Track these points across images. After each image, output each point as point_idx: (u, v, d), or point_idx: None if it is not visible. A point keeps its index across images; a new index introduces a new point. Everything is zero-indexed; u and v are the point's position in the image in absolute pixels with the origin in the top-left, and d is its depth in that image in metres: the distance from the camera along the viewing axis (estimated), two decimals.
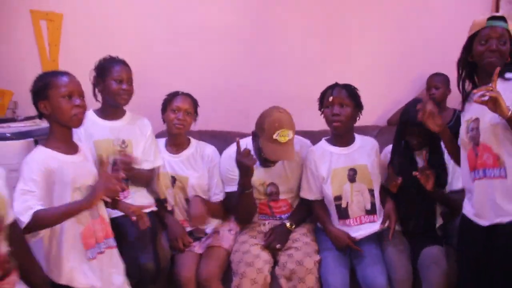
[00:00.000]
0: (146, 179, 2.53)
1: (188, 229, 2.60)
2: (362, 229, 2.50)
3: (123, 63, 2.51)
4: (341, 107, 2.49)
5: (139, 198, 2.45)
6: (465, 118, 2.11)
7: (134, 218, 2.06)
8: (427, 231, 2.51)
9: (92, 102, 2.43)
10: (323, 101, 2.58)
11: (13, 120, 2.85)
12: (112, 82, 2.43)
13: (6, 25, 3.16)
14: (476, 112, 2.03)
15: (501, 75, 2.01)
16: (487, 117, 1.98)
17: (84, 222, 1.90)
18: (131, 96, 2.51)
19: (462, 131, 2.11)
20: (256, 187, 2.57)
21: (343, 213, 2.51)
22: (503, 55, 1.99)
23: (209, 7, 3.27)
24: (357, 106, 2.54)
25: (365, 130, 2.94)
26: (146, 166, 2.51)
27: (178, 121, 2.57)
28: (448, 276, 2.34)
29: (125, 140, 2.48)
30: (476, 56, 2.03)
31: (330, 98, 2.50)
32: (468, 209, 2.14)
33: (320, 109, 2.61)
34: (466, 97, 2.13)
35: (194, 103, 2.67)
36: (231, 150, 2.60)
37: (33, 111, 2.48)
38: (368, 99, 2.65)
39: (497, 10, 3.45)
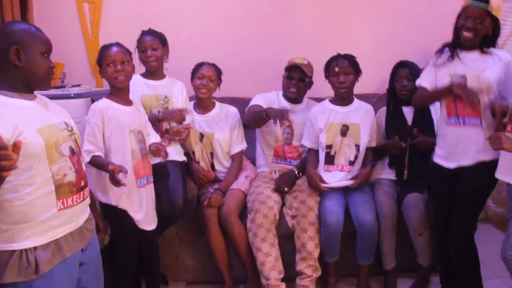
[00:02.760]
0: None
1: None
2: (337, 179, 2.89)
3: (148, 34, 2.82)
4: (345, 75, 2.88)
5: (172, 152, 2.80)
6: (449, 71, 2.41)
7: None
8: (415, 180, 2.89)
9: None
10: (328, 70, 2.94)
11: (63, 87, 3.12)
12: (140, 53, 2.82)
13: (55, 8, 3.49)
14: (462, 68, 2.38)
15: (480, 48, 2.38)
16: (475, 77, 2.32)
17: (136, 157, 2.39)
18: (159, 60, 2.84)
19: (443, 81, 2.43)
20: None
21: (330, 159, 2.91)
22: (478, 33, 2.31)
23: None
24: (357, 72, 2.93)
25: (366, 97, 3.30)
26: (183, 123, 2.86)
27: (203, 86, 2.95)
28: (425, 216, 2.74)
29: (167, 96, 2.86)
30: (458, 29, 2.37)
31: (336, 69, 2.87)
32: (438, 153, 2.53)
33: (326, 77, 2.99)
34: (452, 54, 2.42)
35: (218, 71, 3.01)
36: (268, 93, 3.15)
37: (76, 81, 3.01)
38: (369, 69, 3.04)
39: None
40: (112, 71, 2.35)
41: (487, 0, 2.25)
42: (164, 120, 2.78)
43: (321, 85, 3.15)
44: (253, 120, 2.97)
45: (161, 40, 2.87)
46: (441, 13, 3.53)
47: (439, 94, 2.47)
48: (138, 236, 2.48)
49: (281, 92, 3.17)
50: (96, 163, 2.27)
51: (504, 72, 2.35)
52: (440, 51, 2.50)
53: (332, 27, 3.72)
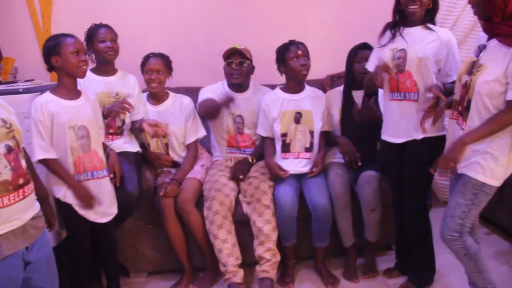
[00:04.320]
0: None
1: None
2: (295, 166, 2.95)
3: (105, 26, 2.83)
4: (306, 58, 2.92)
5: (126, 144, 2.87)
6: (391, 47, 2.50)
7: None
8: (367, 161, 2.95)
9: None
10: (284, 55, 2.92)
11: (14, 83, 3.01)
12: (99, 44, 2.79)
13: (3, 1, 3.41)
14: (403, 43, 2.47)
15: (422, 23, 2.47)
16: (414, 50, 2.43)
17: (77, 153, 2.37)
18: (117, 52, 2.85)
19: (385, 57, 2.50)
20: (227, 115, 3.05)
21: (286, 148, 2.97)
22: (422, 4, 2.39)
23: None
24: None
25: (318, 83, 3.37)
26: (139, 116, 2.91)
27: (152, 81, 2.94)
28: (378, 192, 2.82)
29: (118, 92, 2.83)
30: (402, 4, 2.45)
31: (299, 51, 2.88)
32: (384, 130, 2.62)
33: (279, 63, 2.98)
34: (394, 33, 2.52)
35: (166, 62, 2.98)
36: (212, 85, 3.15)
37: (30, 75, 2.92)
38: (322, 55, 3.08)
39: None
40: (77, 61, 2.33)
41: None
42: (109, 116, 2.76)
43: (273, 73, 3.15)
44: (206, 114, 3.00)
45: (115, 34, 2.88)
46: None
47: (370, 80, 2.57)
48: (93, 229, 2.48)
49: (225, 83, 3.17)
50: (53, 169, 2.32)
51: (445, 50, 2.44)
52: (382, 33, 2.59)
53: (286, 13, 3.75)
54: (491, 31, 2.06)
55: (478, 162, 2.07)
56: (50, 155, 2.31)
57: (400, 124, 2.53)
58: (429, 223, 2.64)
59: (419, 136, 2.47)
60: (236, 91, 3.12)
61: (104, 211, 2.48)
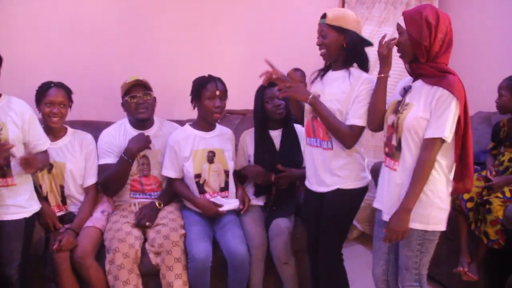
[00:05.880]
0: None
1: (60, 214, 2.69)
2: (225, 204, 2.74)
3: None
4: (221, 100, 2.75)
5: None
6: (312, 90, 2.41)
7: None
8: (282, 204, 2.83)
9: None
10: (200, 92, 2.74)
11: None
12: None
13: None
14: (319, 88, 2.38)
15: (344, 66, 2.33)
16: (325, 96, 2.32)
17: None
18: None
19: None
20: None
21: (201, 188, 2.78)
22: (328, 47, 2.28)
23: (78, 5, 3.31)
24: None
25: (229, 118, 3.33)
26: (45, 146, 2.51)
27: (54, 115, 2.63)
28: (290, 243, 2.69)
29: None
30: None
31: (217, 92, 2.71)
32: (307, 175, 2.51)
33: (194, 99, 2.79)
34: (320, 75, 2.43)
35: (68, 93, 2.73)
36: (110, 128, 2.86)
37: None
38: (234, 89, 2.93)
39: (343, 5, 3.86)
40: None
41: (325, 16, 2.29)
42: None
43: (179, 108, 2.99)
44: (121, 173, 2.76)
45: None
46: (302, 34, 3.53)
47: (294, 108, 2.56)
48: None
49: (126, 121, 2.92)
50: None
51: (353, 96, 2.27)
52: (313, 74, 2.51)
53: (192, 47, 3.64)
54: (417, 72, 2.08)
55: (414, 210, 2.02)
56: None
57: (316, 172, 2.42)
58: (343, 273, 2.51)
59: (332, 188, 2.36)
60: (140, 129, 2.87)
61: None
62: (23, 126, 2.39)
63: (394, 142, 2.11)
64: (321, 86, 2.39)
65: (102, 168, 2.79)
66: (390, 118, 2.15)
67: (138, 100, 2.77)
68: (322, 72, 2.45)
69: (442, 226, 2.08)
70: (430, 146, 1.97)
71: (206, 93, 2.73)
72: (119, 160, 2.71)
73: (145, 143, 2.71)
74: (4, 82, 2.38)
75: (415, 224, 2.03)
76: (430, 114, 1.98)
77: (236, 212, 2.85)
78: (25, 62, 3.14)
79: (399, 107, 2.11)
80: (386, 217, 2.12)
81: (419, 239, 2.07)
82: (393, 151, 2.12)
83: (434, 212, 2.04)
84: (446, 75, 1.98)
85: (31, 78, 2.75)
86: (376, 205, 2.26)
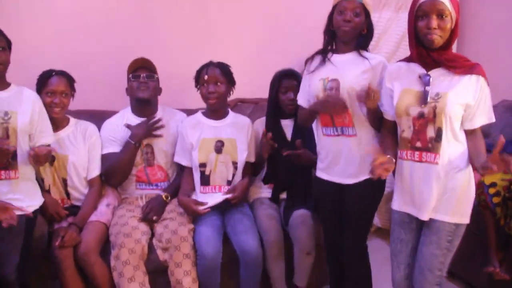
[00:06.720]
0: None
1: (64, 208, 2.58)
2: (211, 199, 2.61)
3: None
4: (215, 84, 2.63)
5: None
6: (320, 75, 2.25)
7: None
8: (301, 197, 2.71)
9: None
10: (198, 79, 2.69)
11: None
12: None
13: None
14: (334, 73, 2.21)
15: (355, 50, 2.24)
16: (347, 80, 2.18)
17: None
18: (5, 65, 2.30)
19: (315, 88, 2.26)
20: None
21: (205, 180, 2.65)
22: (356, 26, 2.18)
23: None
24: (230, 82, 2.70)
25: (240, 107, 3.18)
26: (46, 140, 2.41)
27: (55, 105, 2.52)
28: (314, 233, 2.57)
29: (8, 112, 2.27)
30: (335, 25, 2.22)
31: (205, 77, 2.62)
32: (319, 167, 2.38)
33: (196, 87, 2.73)
34: (324, 58, 2.28)
35: (70, 82, 2.61)
36: (112, 118, 2.79)
37: None
38: (245, 77, 2.85)
39: None
40: None
41: None
42: None
43: (188, 96, 2.91)
44: (126, 160, 2.69)
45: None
46: (315, 20, 3.38)
47: (309, 114, 2.36)
48: None
49: (128, 109, 2.84)
50: None
51: (377, 81, 2.20)
52: (311, 58, 2.35)
53: (203, 34, 3.52)
54: (439, 59, 1.95)
55: (446, 203, 1.96)
56: None
57: (337, 162, 2.29)
58: (368, 263, 2.41)
59: (357, 179, 2.25)
60: (141, 115, 2.78)
61: None
62: (32, 116, 2.35)
63: (432, 134, 1.96)
64: (334, 69, 2.23)
65: (105, 158, 2.70)
66: (413, 109, 1.98)
67: (140, 80, 2.71)
68: (325, 55, 2.30)
69: (468, 219, 2.01)
70: (480, 132, 1.96)
71: (200, 80, 2.67)
72: (125, 146, 2.66)
73: (152, 126, 2.67)
74: (12, 71, 2.37)
75: (446, 217, 1.96)
76: (474, 101, 1.91)
77: (249, 205, 2.74)
78: (32, 51, 3.05)
79: (425, 97, 1.95)
80: (427, 215, 1.99)
81: (449, 236, 1.97)
82: (432, 143, 1.96)
83: (466, 204, 1.98)
84: (474, 63, 1.94)
85: (38, 67, 2.64)
86: (405, 209, 2.09)
